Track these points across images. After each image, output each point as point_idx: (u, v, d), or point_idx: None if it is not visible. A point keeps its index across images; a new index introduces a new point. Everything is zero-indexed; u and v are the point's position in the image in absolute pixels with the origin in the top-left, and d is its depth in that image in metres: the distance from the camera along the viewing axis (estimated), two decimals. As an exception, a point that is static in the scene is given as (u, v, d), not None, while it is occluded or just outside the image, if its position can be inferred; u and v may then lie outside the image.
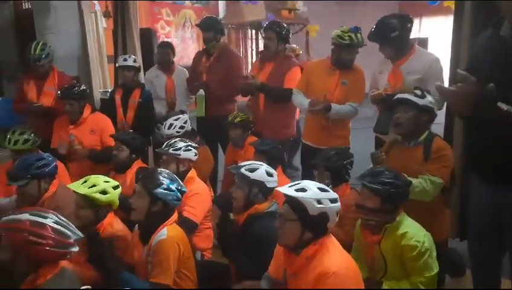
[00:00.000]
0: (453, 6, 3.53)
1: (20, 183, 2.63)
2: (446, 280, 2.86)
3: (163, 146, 3.09)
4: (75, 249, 1.81)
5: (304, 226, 1.83)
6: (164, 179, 2.24)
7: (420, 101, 2.53)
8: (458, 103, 1.96)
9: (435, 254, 2.19)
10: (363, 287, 1.86)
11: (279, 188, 1.92)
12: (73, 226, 1.84)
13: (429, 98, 2.55)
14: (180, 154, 3.01)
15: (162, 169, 2.36)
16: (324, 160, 2.87)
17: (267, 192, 2.42)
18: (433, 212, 2.59)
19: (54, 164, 2.77)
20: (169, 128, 3.61)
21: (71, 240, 1.79)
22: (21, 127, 3.29)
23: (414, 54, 3.09)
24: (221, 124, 3.98)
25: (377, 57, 3.32)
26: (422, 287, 2.13)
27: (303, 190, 1.84)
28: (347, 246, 2.11)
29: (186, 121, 3.69)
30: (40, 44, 3.83)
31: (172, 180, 2.27)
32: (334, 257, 1.81)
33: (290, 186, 1.89)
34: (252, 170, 2.40)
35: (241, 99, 4.32)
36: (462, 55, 3.12)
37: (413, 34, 3.34)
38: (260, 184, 2.39)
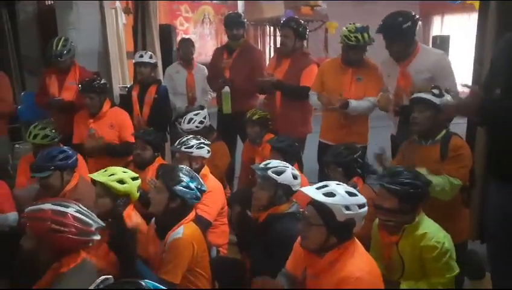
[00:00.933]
0: (476, 5, 3.46)
1: (43, 175, 2.70)
2: (465, 282, 2.81)
3: (176, 144, 3.11)
4: (97, 237, 1.85)
5: (329, 232, 1.80)
6: (184, 176, 2.24)
7: (438, 100, 2.50)
8: (464, 113, 1.95)
9: (454, 255, 2.16)
10: None
11: (304, 190, 1.87)
12: (94, 215, 1.88)
13: (447, 96, 2.51)
14: (192, 152, 3.02)
15: (183, 166, 2.35)
16: (334, 156, 2.85)
17: (290, 194, 2.40)
18: (452, 213, 2.56)
19: (75, 157, 2.84)
20: (188, 122, 3.66)
21: (92, 228, 1.82)
22: (43, 123, 3.36)
23: (420, 53, 3.03)
24: (243, 120, 3.95)
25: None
26: (442, 288, 2.10)
27: (331, 194, 1.80)
28: (362, 240, 2.08)
29: (206, 116, 3.73)
30: (62, 40, 3.89)
31: (192, 179, 2.26)
32: (358, 262, 1.79)
33: (317, 189, 1.85)
34: (279, 173, 2.38)
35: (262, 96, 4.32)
36: (486, 55, 3.05)
37: (435, 32, 3.29)
38: (286, 187, 2.38)
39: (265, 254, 2.33)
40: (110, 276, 1.12)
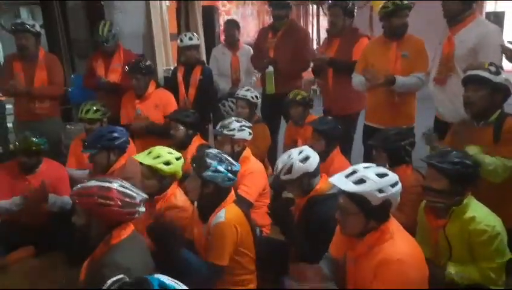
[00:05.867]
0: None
1: (91, 152, 2.81)
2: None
3: (218, 127, 3.13)
4: (142, 209, 1.92)
5: (367, 217, 1.77)
6: (212, 161, 2.22)
7: (494, 78, 2.36)
8: None
9: (506, 239, 2.07)
10: (427, 273, 1.79)
11: (333, 181, 1.83)
12: (137, 189, 1.95)
13: (503, 74, 2.37)
14: (234, 135, 3.03)
15: (211, 150, 2.34)
16: (381, 141, 2.76)
17: (315, 173, 2.39)
18: (505, 197, 2.44)
19: (125, 138, 2.92)
20: (247, 90, 3.74)
21: (137, 201, 1.89)
22: (92, 102, 3.53)
23: (472, 23, 2.89)
24: (286, 101, 3.95)
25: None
26: (492, 274, 2.03)
27: (362, 181, 1.75)
28: (408, 229, 2.03)
29: (259, 97, 3.80)
30: (107, 25, 3.98)
31: (220, 161, 2.24)
32: (398, 244, 1.74)
33: (346, 177, 1.80)
34: (289, 170, 2.35)
35: (306, 76, 4.29)
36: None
37: (489, 8, 3.13)
38: (306, 175, 2.36)
39: (309, 238, 2.32)
40: (123, 276, 1.14)
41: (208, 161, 2.22)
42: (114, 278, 1.10)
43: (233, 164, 2.29)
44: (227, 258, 2.20)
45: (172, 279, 1.09)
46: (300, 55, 4.08)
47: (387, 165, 2.60)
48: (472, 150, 2.35)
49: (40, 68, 3.80)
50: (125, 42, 4.31)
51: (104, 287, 1.07)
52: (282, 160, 2.41)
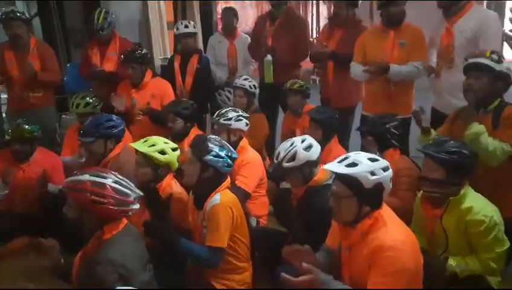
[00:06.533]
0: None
1: (88, 140, 2.78)
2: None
3: (215, 115, 3.10)
4: (136, 206, 1.88)
5: (360, 201, 1.77)
6: (214, 145, 2.25)
7: (496, 66, 2.34)
8: None
9: (503, 228, 2.06)
10: (421, 261, 1.79)
11: (327, 167, 1.84)
12: (132, 185, 1.90)
13: (505, 63, 2.35)
14: (231, 124, 3.00)
15: (212, 136, 2.36)
16: (367, 125, 2.80)
17: (317, 162, 2.38)
18: (503, 185, 2.44)
19: (122, 127, 2.90)
20: (244, 79, 3.70)
21: (131, 198, 1.85)
22: (83, 92, 3.48)
23: (469, 12, 2.86)
24: (284, 90, 3.91)
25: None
26: (493, 264, 2.03)
27: (354, 164, 1.76)
28: (404, 214, 2.02)
29: (257, 87, 3.75)
30: (103, 13, 3.92)
31: (222, 147, 2.27)
32: (391, 231, 1.73)
33: (339, 162, 1.81)
34: (293, 158, 2.33)
35: (305, 66, 4.25)
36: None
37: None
38: (307, 163, 2.34)
39: (306, 229, 2.31)
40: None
41: (210, 145, 2.24)
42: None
43: (232, 151, 2.33)
44: (226, 240, 2.20)
45: None
46: (299, 44, 4.03)
47: (378, 153, 2.60)
48: (476, 127, 2.33)
49: (32, 56, 3.76)
50: (121, 30, 4.26)
51: None
52: (284, 147, 2.40)
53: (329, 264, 1.98)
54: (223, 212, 2.19)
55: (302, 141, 2.39)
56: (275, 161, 2.43)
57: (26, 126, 3.11)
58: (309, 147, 2.36)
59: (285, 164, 2.35)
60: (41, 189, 3.04)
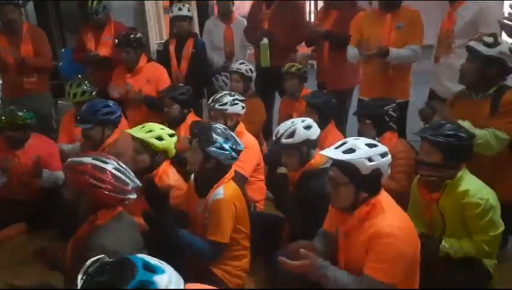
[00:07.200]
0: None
1: (85, 127, 2.76)
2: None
3: (210, 101, 3.07)
4: (133, 196, 1.86)
5: (358, 187, 1.75)
6: (218, 137, 2.18)
7: (486, 51, 2.29)
8: None
9: (499, 212, 2.05)
10: (419, 247, 1.79)
11: (324, 153, 1.83)
12: (132, 174, 1.89)
13: (502, 47, 2.29)
14: (227, 109, 2.97)
15: (219, 125, 2.30)
16: (363, 108, 2.77)
17: (315, 143, 2.37)
18: (499, 169, 2.42)
19: (119, 113, 2.87)
20: (241, 64, 3.66)
21: (129, 187, 1.84)
22: (77, 80, 3.39)
23: None
24: (281, 73, 3.86)
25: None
26: (486, 247, 2.03)
27: (351, 150, 1.74)
28: (400, 197, 2.01)
29: (254, 71, 3.71)
30: None
31: (227, 139, 2.20)
32: (388, 217, 1.72)
33: (336, 148, 1.79)
34: (292, 135, 2.32)
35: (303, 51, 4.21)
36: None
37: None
38: (306, 142, 2.33)
39: (302, 213, 2.31)
40: (102, 255, 1.09)
41: (215, 136, 2.18)
42: (93, 259, 1.06)
43: (238, 143, 2.25)
44: (228, 235, 2.19)
45: (157, 259, 1.05)
46: (296, 28, 3.97)
47: (376, 139, 2.59)
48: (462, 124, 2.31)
49: (25, 42, 3.70)
50: (116, 15, 4.20)
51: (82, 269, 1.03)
52: (283, 126, 2.39)
53: (327, 249, 1.98)
54: (227, 208, 2.17)
55: (303, 121, 2.38)
56: (274, 139, 2.41)
57: (20, 112, 3.07)
58: (309, 127, 2.35)
59: (284, 140, 2.33)
60: (36, 176, 3.02)
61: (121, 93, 3.58)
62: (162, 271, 1.00)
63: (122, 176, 1.82)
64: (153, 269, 1.00)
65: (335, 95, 3.26)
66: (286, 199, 2.55)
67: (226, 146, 2.18)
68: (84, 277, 1.00)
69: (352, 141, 1.78)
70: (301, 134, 2.31)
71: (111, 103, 2.90)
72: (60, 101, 4.96)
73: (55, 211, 2.82)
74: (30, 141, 3.16)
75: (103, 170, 1.77)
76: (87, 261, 1.05)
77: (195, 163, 2.23)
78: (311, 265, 1.75)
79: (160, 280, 0.98)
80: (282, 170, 3.05)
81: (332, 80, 3.76)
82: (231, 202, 2.18)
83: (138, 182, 1.90)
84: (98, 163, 1.78)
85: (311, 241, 2.04)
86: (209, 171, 2.21)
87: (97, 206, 1.81)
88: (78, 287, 0.98)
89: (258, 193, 3.08)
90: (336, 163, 1.77)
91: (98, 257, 1.06)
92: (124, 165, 1.88)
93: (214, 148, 2.16)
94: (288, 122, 2.39)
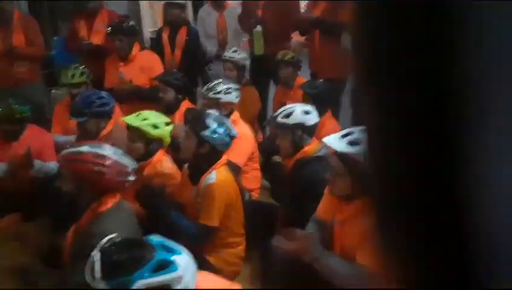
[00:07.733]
0: None
1: (80, 120, 2.74)
2: None
3: (204, 90, 3.06)
4: (132, 177, 1.89)
5: (356, 179, 1.74)
6: (212, 122, 2.20)
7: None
8: None
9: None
10: None
11: (327, 141, 1.82)
12: (128, 155, 1.93)
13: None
14: (221, 98, 2.96)
15: (211, 111, 2.32)
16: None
17: (311, 131, 2.37)
18: None
19: (112, 104, 2.85)
20: (234, 52, 3.63)
21: (129, 169, 1.86)
22: (73, 66, 3.38)
23: None
24: (275, 62, 3.83)
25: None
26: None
27: (355, 143, 1.71)
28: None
29: (248, 60, 3.68)
30: None
31: (220, 124, 2.22)
32: None
33: (341, 137, 1.76)
34: (288, 115, 2.33)
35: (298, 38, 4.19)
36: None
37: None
38: (302, 126, 2.33)
39: (296, 201, 2.31)
40: (115, 234, 1.11)
41: (208, 121, 2.19)
42: (108, 237, 1.08)
43: (231, 129, 2.28)
44: (218, 219, 2.20)
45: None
46: (290, 15, 3.94)
47: None
48: None
49: (17, 31, 3.64)
50: (109, 3, 4.15)
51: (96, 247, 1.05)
52: (283, 108, 2.41)
53: (320, 236, 1.99)
54: (218, 192, 2.17)
55: (303, 106, 2.40)
56: (271, 117, 2.43)
57: (17, 106, 3.04)
58: (307, 112, 2.36)
59: (280, 119, 2.34)
60: (27, 166, 3.00)
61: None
62: (179, 252, 1.03)
63: (122, 159, 1.85)
64: (170, 249, 1.02)
65: (328, 84, 3.24)
66: (281, 187, 2.56)
67: (220, 131, 2.20)
68: (100, 256, 1.02)
69: (358, 133, 1.74)
70: (297, 117, 2.32)
71: (104, 94, 2.87)
72: (53, 91, 4.91)
73: (49, 202, 2.81)
74: (25, 132, 3.12)
75: (104, 156, 1.80)
76: (88, 248, 1.07)
77: (189, 149, 2.24)
78: (308, 247, 1.73)
79: (179, 259, 1.00)
80: (276, 158, 3.05)
81: (324, 68, 3.72)
82: (222, 186, 2.19)
83: (134, 162, 1.94)
84: (97, 150, 1.81)
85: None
86: (203, 157, 2.22)
87: (101, 193, 1.83)
88: (95, 265, 1.00)
89: (252, 182, 3.08)
90: (337, 153, 1.76)
91: (111, 236, 1.09)
92: (119, 150, 1.91)
93: (208, 133, 2.17)
94: (287, 105, 2.41)
